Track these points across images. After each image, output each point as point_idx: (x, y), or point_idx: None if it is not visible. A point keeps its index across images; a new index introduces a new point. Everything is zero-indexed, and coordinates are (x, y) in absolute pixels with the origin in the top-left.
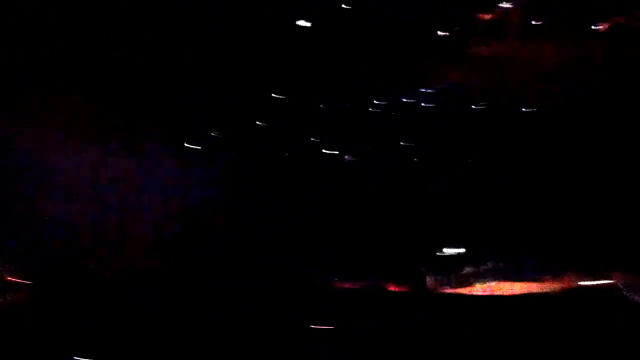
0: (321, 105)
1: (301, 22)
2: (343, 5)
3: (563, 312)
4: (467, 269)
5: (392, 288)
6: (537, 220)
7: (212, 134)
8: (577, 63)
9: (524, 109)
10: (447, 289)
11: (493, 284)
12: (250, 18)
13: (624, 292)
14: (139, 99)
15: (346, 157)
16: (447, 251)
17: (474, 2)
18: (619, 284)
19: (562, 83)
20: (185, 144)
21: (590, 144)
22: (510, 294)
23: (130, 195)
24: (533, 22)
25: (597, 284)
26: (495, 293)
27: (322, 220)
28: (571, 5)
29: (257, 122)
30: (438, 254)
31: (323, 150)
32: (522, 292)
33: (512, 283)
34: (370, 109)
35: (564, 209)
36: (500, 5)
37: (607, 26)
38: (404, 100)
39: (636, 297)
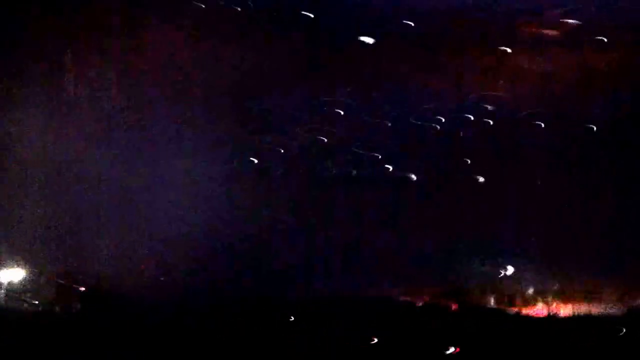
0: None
1: (364, 39)
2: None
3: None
4: (531, 289)
5: (454, 306)
6: (597, 240)
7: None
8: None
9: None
10: (509, 307)
11: (556, 304)
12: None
13: None
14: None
15: (409, 175)
16: (510, 270)
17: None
18: None
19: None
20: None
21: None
22: (571, 314)
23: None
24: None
25: None
26: (559, 313)
27: (381, 235)
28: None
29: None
30: (502, 272)
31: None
32: (583, 313)
33: (574, 303)
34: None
35: (623, 230)
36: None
37: None
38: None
39: None
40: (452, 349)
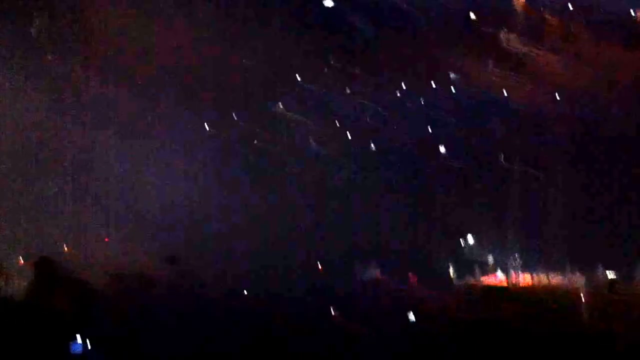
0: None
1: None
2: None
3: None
4: (491, 260)
5: (414, 279)
6: (559, 214)
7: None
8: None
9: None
10: (470, 279)
11: (518, 274)
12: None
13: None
14: None
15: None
16: (471, 241)
17: None
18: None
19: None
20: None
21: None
22: (533, 284)
23: None
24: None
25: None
26: (520, 283)
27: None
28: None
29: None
30: (463, 244)
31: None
32: (544, 284)
33: (537, 275)
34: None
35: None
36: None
37: None
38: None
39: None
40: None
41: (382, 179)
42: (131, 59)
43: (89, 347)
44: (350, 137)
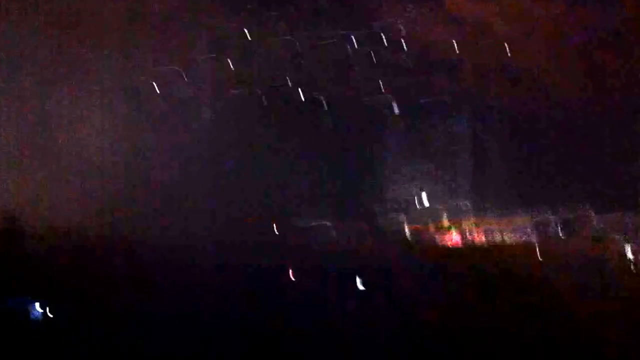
0: None
1: None
2: None
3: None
4: (446, 218)
5: (369, 238)
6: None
7: None
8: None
9: None
10: (426, 237)
11: (473, 231)
12: None
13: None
14: None
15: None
16: (425, 201)
17: None
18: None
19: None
20: None
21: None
22: (489, 243)
23: None
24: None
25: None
26: (475, 241)
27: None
28: None
29: None
30: (417, 205)
31: None
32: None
33: (491, 232)
34: None
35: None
36: None
37: None
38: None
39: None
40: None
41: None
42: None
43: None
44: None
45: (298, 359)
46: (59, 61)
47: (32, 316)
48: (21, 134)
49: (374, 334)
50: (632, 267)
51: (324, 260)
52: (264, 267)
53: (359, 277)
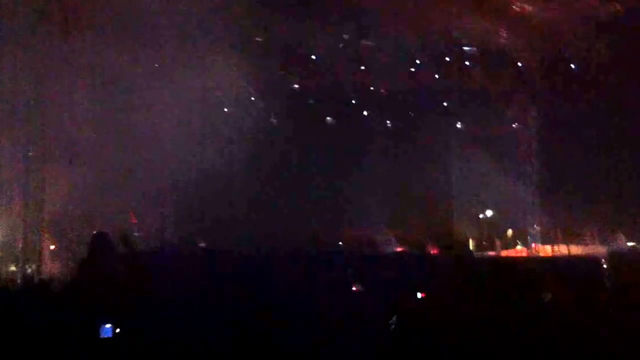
0: None
1: None
2: None
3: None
4: (510, 232)
5: (434, 251)
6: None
7: None
8: None
9: None
10: (490, 251)
11: (535, 245)
12: None
13: None
14: None
15: None
16: (489, 214)
17: None
18: None
19: None
20: None
21: None
22: (551, 256)
23: None
24: None
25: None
26: (540, 255)
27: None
28: None
29: None
30: (481, 216)
31: None
32: (563, 255)
33: (554, 246)
34: None
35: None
36: None
37: None
38: None
39: None
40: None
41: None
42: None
43: None
44: None
45: None
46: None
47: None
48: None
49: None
50: None
51: None
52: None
53: None
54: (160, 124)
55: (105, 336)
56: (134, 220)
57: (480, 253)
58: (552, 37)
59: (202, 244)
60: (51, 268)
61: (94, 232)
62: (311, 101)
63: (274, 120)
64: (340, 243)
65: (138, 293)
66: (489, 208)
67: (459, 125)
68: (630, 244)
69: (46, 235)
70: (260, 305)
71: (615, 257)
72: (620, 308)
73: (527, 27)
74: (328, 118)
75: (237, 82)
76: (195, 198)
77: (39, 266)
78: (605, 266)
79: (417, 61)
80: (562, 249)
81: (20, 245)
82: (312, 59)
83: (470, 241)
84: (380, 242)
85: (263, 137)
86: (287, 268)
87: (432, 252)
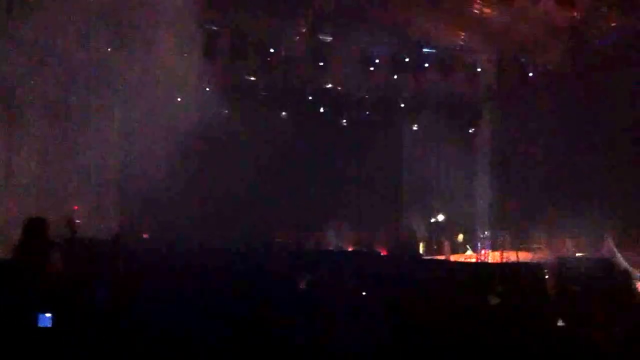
0: None
1: None
2: None
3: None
4: (461, 237)
5: (383, 252)
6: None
7: None
8: None
9: None
10: (439, 255)
11: (487, 251)
12: None
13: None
14: None
15: None
16: (440, 218)
17: None
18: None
19: None
20: None
21: None
22: (498, 262)
23: None
24: None
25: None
26: (487, 260)
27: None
28: None
29: None
30: (432, 220)
31: None
32: (517, 260)
33: (508, 251)
34: None
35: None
36: None
37: None
38: None
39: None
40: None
41: None
42: None
43: None
44: None
45: None
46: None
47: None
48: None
49: None
50: None
51: None
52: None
53: None
54: (107, 112)
55: (44, 325)
56: (75, 207)
57: (429, 256)
58: (508, 40)
59: (145, 235)
60: None
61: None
62: (265, 94)
63: (226, 112)
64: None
65: (78, 281)
66: (440, 212)
67: (414, 127)
68: (579, 254)
69: None
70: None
71: (558, 265)
72: (556, 315)
73: (484, 30)
74: (283, 113)
75: (189, 72)
76: (141, 188)
77: None
78: (546, 273)
79: (375, 60)
80: (511, 256)
81: None
82: (270, 52)
83: (420, 244)
84: (328, 240)
85: (215, 130)
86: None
87: (381, 252)
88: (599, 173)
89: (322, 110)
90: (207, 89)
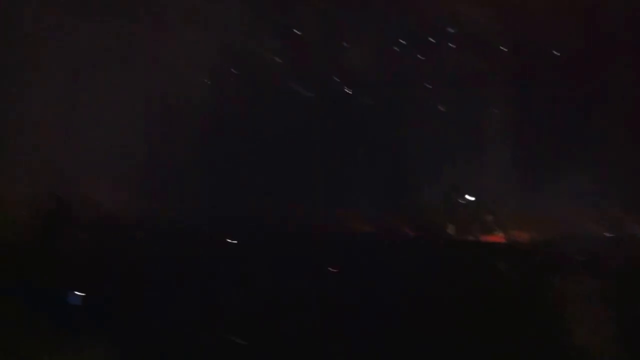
0: None
1: None
2: None
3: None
4: (489, 217)
5: (413, 233)
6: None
7: None
8: None
9: None
10: (468, 236)
11: (514, 232)
12: None
13: None
14: None
15: None
16: (469, 198)
17: None
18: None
19: None
20: None
21: None
22: (529, 241)
23: None
24: None
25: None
26: (518, 240)
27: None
28: None
29: None
30: (460, 201)
31: None
32: (541, 240)
33: (532, 232)
34: None
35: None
36: None
37: None
38: None
39: None
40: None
41: None
42: None
43: None
44: None
45: None
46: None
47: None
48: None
49: None
50: None
51: None
52: None
53: None
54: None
55: (73, 303)
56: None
57: (461, 238)
58: (532, 20)
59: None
60: None
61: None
62: (291, 76)
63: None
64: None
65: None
66: (468, 193)
67: (441, 108)
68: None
69: None
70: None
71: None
72: None
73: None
74: (306, 93)
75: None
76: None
77: None
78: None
79: (401, 41)
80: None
81: None
82: (296, 33)
83: (450, 226)
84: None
85: (239, 109)
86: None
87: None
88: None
89: (347, 91)
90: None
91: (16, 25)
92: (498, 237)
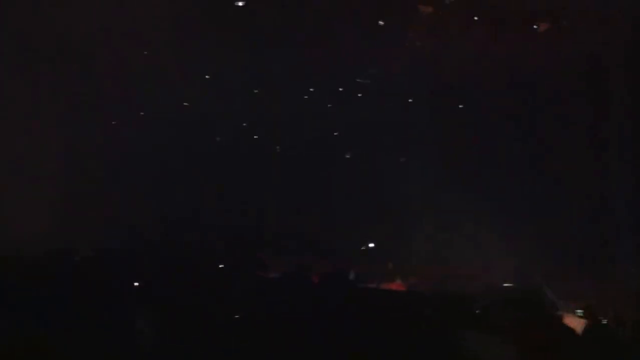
0: None
1: None
2: None
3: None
4: (390, 265)
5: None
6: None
7: None
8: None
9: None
10: (370, 283)
11: (415, 280)
12: None
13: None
14: None
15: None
16: (372, 246)
17: None
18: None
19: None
20: None
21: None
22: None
23: None
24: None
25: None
26: (417, 289)
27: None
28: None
29: None
30: (362, 248)
31: None
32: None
33: (435, 280)
34: None
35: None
36: None
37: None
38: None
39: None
40: None
41: None
42: None
43: None
44: None
45: None
46: None
47: None
48: None
49: None
50: None
51: None
52: None
53: None
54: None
55: None
56: None
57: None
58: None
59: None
60: None
61: None
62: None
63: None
64: None
65: None
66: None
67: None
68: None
69: None
70: None
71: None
72: None
73: None
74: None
75: None
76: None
77: None
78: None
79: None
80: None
81: None
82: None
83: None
84: None
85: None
86: None
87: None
88: None
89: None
90: None
91: None
92: (397, 285)
